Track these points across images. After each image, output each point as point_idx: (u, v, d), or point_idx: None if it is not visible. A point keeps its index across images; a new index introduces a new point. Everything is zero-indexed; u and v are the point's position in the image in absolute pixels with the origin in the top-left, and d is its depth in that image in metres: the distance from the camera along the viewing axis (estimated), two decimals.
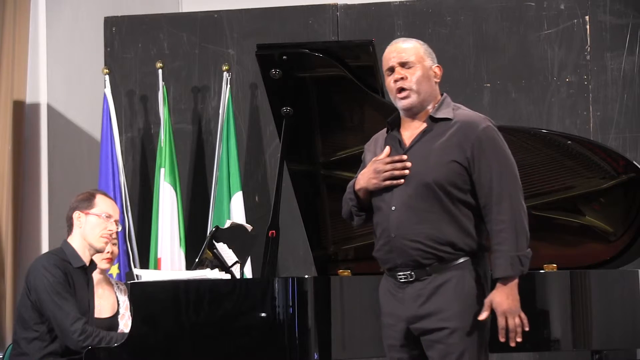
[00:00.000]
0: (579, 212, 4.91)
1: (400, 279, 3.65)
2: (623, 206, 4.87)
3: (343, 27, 6.53)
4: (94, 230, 4.53)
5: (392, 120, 3.79)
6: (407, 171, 3.64)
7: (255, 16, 6.65)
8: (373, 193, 3.72)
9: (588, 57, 6.32)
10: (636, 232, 4.89)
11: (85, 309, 4.45)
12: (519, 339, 3.61)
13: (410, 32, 6.33)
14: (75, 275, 4.46)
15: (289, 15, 6.62)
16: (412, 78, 3.69)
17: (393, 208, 3.65)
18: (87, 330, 4.31)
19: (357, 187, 3.75)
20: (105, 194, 4.69)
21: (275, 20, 6.62)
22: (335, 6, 6.57)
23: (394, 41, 3.80)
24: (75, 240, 4.53)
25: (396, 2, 6.51)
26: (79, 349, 4.31)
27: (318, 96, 4.75)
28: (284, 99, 4.71)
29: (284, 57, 4.62)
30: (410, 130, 3.73)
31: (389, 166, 3.66)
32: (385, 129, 3.83)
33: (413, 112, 3.72)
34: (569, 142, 4.76)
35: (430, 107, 3.72)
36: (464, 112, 3.73)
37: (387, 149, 3.71)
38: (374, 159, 3.72)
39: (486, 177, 3.61)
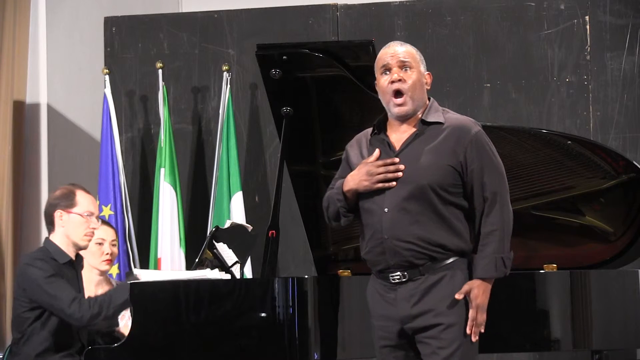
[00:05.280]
0: (579, 212, 4.91)
1: (393, 280, 3.69)
2: (623, 206, 4.87)
3: (343, 27, 6.54)
4: (77, 229, 4.48)
5: (378, 122, 3.82)
6: (400, 174, 3.68)
7: (255, 16, 6.65)
8: (362, 195, 3.75)
9: (588, 57, 6.32)
10: (636, 232, 4.90)
11: None
12: (478, 334, 3.66)
13: (410, 32, 6.33)
14: (63, 270, 4.44)
15: (289, 15, 6.62)
16: (409, 82, 3.72)
17: (386, 210, 3.68)
18: (82, 305, 4.29)
19: (346, 188, 3.77)
20: (84, 189, 4.61)
21: (275, 20, 6.62)
22: (335, 6, 6.57)
23: (390, 43, 3.84)
24: (58, 238, 4.49)
25: (396, 2, 6.51)
26: (87, 325, 4.32)
27: (318, 96, 4.75)
28: (284, 99, 4.71)
29: (284, 57, 4.62)
30: (398, 133, 3.77)
31: (381, 169, 3.69)
32: (367, 130, 3.87)
33: (405, 118, 3.76)
34: (569, 142, 4.76)
35: (419, 112, 3.76)
36: (453, 116, 3.78)
37: (377, 151, 3.75)
38: (364, 161, 3.75)
39: (478, 180, 3.67)
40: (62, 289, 4.34)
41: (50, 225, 4.52)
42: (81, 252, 4.56)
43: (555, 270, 4.73)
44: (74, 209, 4.49)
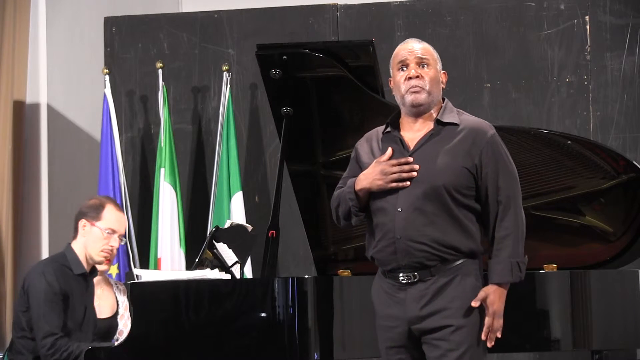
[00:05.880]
0: (579, 212, 4.91)
1: (403, 280, 3.65)
2: (623, 206, 4.87)
3: (343, 27, 6.54)
4: (95, 243, 4.48)
5: (391, 119, 3.77)
6: (414, 173, 3.63)
7: (255, 16, 6.66)
8: (374, 194, 3.70)
9: (588, 57, 6.33)
10: (636, 232, 4.90)
11: (79, 317, 4.43)
12: (495, 339, 3.65)
13: (410, 32, 6.33)
14: (73, 283, 4.42)
15: (289, 15, 6.62)
16: (427, 78, 3.68)
17: (399, 209, 3.63)
18: (56, 345, 4.28)
19: (358, 187, 3.71)
20: (116, 205, 4.61)
21: (275, 20, 6.62)
22: (335, 6, 6.57)
23: (408, 40, 3.79)
24: (78, 247, 4.49)
25: (396, 2, 6.51)
26: None
27: (318, 96, 4.75)
28: (284, 99, 4.71)
29: (284, 57, 4.62)
30: (411, 132, 3.71)
31: (396, 168, 3.63)
32: (377, 128, 3.81)
33: (419, 111, 3.70)
34: (569, 142, 4.76)
35: (433, 111, 3.72)
36: (468, 118, 3.74)
37: (390, 150, 3.69)
38: (377, 160, 3.71)
39: (493, 184, 3.65)
40: (52, 316, 4.32)
41: (74, 232, 4.52)
42: None
43: (555, 270, 4.74)
44: (98, 223, 4.49)
